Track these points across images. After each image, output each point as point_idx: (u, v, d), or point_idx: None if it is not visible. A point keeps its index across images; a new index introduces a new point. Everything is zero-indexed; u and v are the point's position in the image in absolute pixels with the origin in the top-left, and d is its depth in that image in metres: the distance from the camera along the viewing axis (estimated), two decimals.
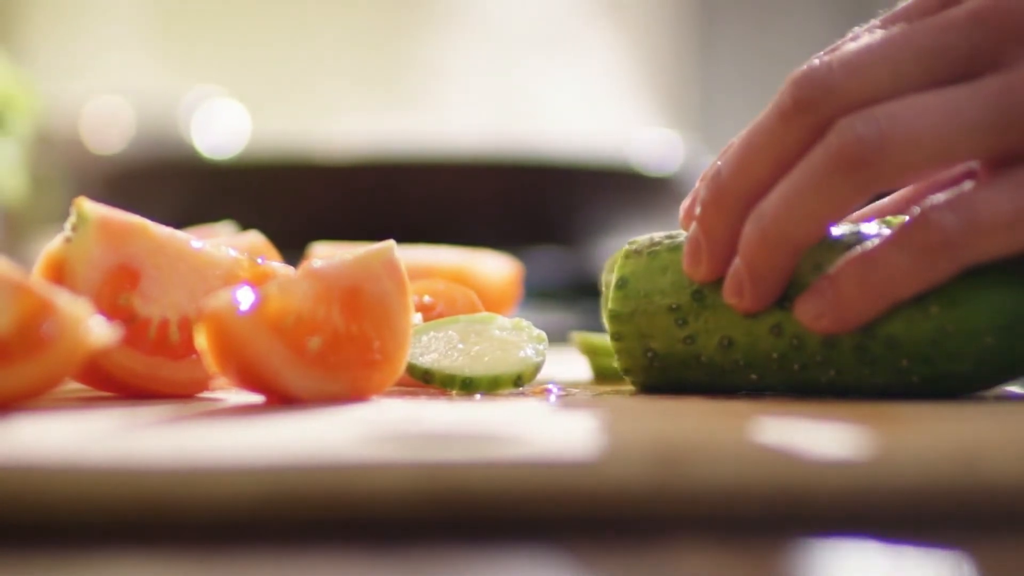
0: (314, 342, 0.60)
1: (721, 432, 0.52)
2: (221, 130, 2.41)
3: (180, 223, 0.88)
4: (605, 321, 0.70)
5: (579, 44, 3.70)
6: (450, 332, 0.70)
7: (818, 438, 0.49)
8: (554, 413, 0.59)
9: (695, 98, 3.73)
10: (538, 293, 1.54)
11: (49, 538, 0.44)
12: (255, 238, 0.81)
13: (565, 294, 1.60)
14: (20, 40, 3.38)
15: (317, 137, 2.60)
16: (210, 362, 0.59)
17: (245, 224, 0.87)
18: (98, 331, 0.57)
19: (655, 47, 3.79)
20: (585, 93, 3.67)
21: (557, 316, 1.49)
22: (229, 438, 0.50)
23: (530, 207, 1.56)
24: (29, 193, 1.32)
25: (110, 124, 2.23)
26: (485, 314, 0.72)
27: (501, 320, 0.71)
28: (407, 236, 1.00)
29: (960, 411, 0.57)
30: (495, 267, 0.90)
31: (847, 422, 0.54)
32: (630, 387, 0.70)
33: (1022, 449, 0.46)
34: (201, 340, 0.59)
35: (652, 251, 0.68)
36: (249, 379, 0.60)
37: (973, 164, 0.63)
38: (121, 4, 3.46)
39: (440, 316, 0.74)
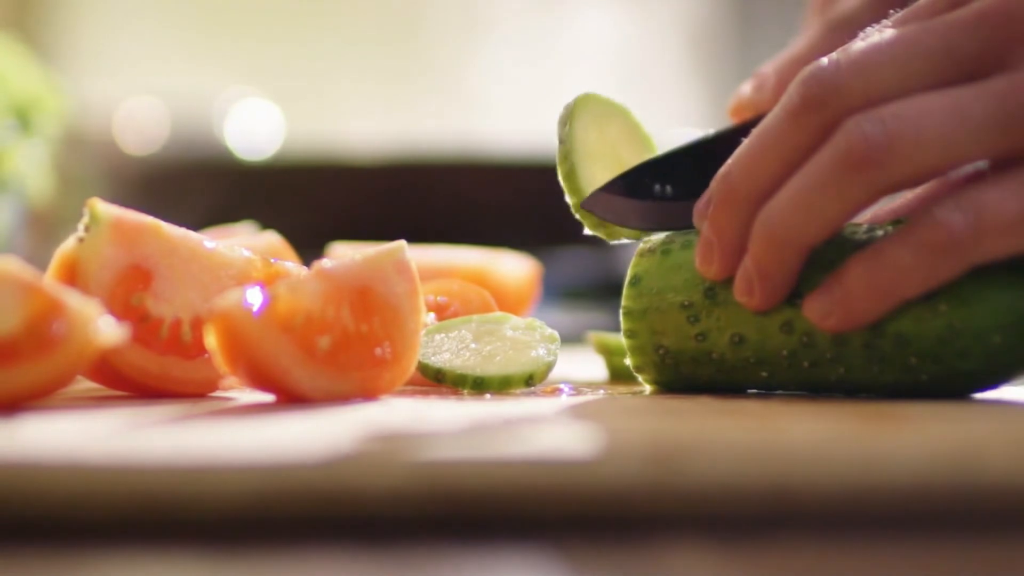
0: (323, 342, 0.61)
1: (718, 431, 0.52)
2: (254, 130, 2.42)
3: (213, 224, 0.89)
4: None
5: (610, 41, 3.70)
6: (463, 332, 0.70)
7: (815, 437, 0.49)
8: (556, 412, 0.59)
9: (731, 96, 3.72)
10: (566, 293, 1.54)
11: (54, 535, 0.44)
12: (272, 238, 0.81)
13: (593, 294, 1.60)
14: (55, 41, 3.40)
15: (349, 137, 2.61)
16: (220, 362, 0.59)
17: (278, 224, 0.88)
18: (107, 331, 0.57)
19: (690, 43, 3.78)
20: (623, 93, 3.66)
21: (585, 316, 1.49)
22: (231, 437, 0.50)
23: (558, 206, 1.56)
24: (57, 194, 1.33)
25: (144, 125, 2.24)
26: (498, 314, 0.72)
27: (514, 320, 0.71)
28: (435, 236, 1.00)
29: (961, 411, 0.57)
30: (513, 267, 0.90)
31: (847, 421, 0.54)
32: (644, 387, 0.70)
33: (1020, 449, 0.46)
34: (211, 340, 0.59)
35: (666, 249, 0.68)
36: (259, 378, 0.60)
37: (983, 164, 0.62)
38: (156, 5, 3.48)
39: (455, 316, 0.75)
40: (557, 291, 1.52)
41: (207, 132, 2.31)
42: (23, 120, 1.14)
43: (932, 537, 0.45)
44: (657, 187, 0.70)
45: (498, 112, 3.57)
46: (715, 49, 3.78)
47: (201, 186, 1.60)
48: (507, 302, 0.85)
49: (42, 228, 1.45)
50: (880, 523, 0.46)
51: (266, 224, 0.89)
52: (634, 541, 0.45)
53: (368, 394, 0.62)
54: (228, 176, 1.62)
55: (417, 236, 0.99)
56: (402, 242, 0.65)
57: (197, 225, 0.89)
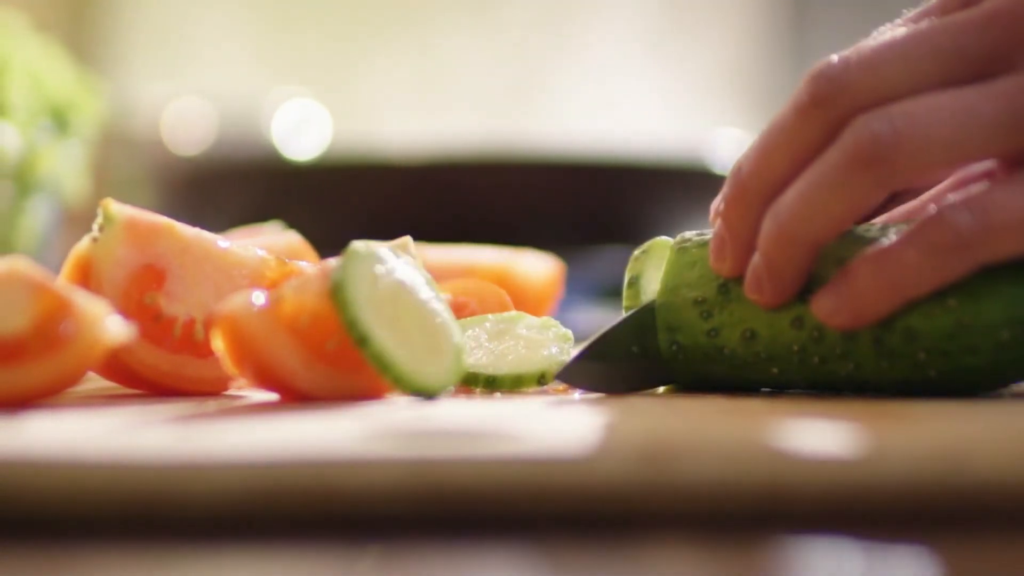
0: (329, 342, 0.61)
1: (713, 429, 0.52)
2: (302, 131, 2.43)
3: (258, 223, 0.89)
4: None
5: (660, 43, 3.70)
6: (477, 331, 0.70)
7: (807, 435, 0.48)
8: (556, 410, 0.59)
9: (780, 99, 3.71)
10: (599, 292, 1.54)
11: (55, 532, 0.45)
12: (292, 238, 0.82)
13: None
14: (104, 42, 3.43)
15: (396, 138, 2.61)
16: (227, 363, 0.60)
17: (325, 224, 0.88)
18: (115, 330, 0.58)
19: (740, 45, 3.77)
20: (663, 92, 3.66)
21: (613, 315, 1.49)
22: (232, 435, 0.51)
23: (602, 206, 1.56)
24: (96, 195, 1.34)
25: (192, 125, 2.26)
26: (513, 313, 0.72)
27: (529, 319, 0.71)
28: (476, 236, 1.00)
29: (963, 409, 0.57)
30: (535, 266, 0.90)
31: (842, 419, 0.53)
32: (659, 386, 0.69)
33: (1012, 448, 0.46)
34: (217, 342, 0.59)
35: (681, 247, 0.68)
36: (265, 379, 0.61)
37: (993, 163, 0.62)
38: (205, 7, 3.50)
39: (472, 315, 0.75)
40: (590, 291, 1.52)
41: (255, 132, 2.33)
42: (59, 121, 1.15)
43: (928, 536, 0.45)
44: (634, 347, 0.68)
45: (535, 113, 3.57)
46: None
47: (248, 186, 1.60)
48: (528, 301, 0.85)
49: (79, 229, 1.46)
50: (874, 522, 0.46)
51: (313, 224, 0.89)
52: (628, 540, 0.45)
53: (375, 393, 0.62)
54: (276, 176, 1.62)
55: (457, 236, 0.99)
56: (407, 238, 0.65)
57: (243, 225, 0.89)
